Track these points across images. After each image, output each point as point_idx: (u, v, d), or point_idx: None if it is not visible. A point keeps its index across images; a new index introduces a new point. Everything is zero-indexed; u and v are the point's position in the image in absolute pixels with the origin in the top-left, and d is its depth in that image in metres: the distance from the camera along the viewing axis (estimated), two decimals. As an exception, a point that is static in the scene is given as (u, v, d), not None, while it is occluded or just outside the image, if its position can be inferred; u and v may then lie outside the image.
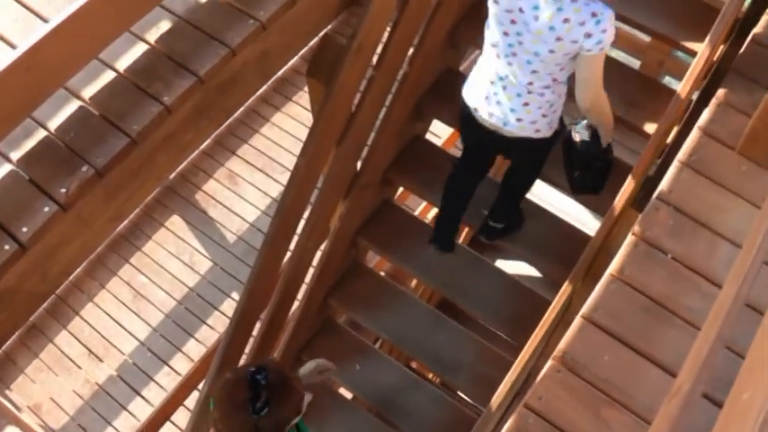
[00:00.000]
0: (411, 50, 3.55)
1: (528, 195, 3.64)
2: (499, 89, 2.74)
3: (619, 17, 3.39)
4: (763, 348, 1.40)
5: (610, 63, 3.52)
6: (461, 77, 3.98)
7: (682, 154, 2.58)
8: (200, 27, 2.78)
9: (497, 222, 3.58)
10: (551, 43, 2.47)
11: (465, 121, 2.98)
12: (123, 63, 2.68)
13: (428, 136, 4.27)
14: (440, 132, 5.61)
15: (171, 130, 2.62)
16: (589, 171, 2.92)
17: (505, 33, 2.57)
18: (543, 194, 5.04)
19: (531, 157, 3.09)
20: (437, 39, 3.65)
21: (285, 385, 2.17)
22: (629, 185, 2.75)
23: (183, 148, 2.75)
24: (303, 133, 3.26)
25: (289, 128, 6.56)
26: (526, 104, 2.72)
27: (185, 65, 2.65)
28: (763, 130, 2.51)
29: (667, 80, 7.12)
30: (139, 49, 2.72)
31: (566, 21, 2.40)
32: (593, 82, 2.58)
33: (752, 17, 3.11)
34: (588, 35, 2.40)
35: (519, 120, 2.77)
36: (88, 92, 2.60)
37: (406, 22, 3.30)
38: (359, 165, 3.68)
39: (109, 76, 2.65)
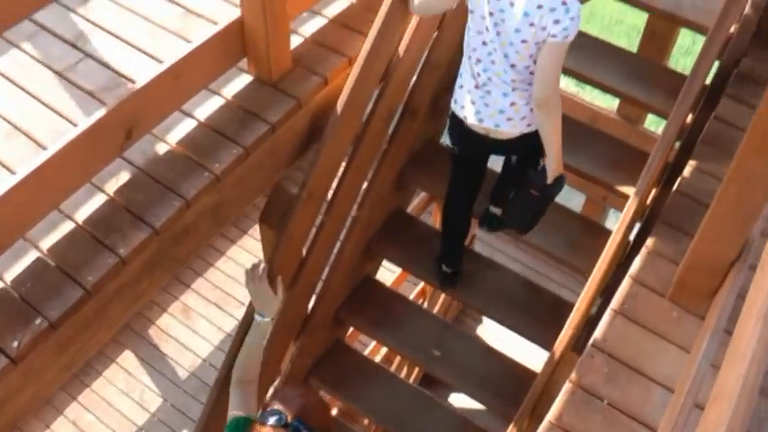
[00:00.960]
0: (361, 194, 3.70)
1: (480, 332, 3.72)
2: (484, 93, 2.84)
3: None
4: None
5: (552, 207, 3.75)
6: (410, 219, 4.18)
7: (614, 302, 2.71)
8: (157, 179, 2.88)
9: (498, 206, 3.57)
10: (524, 30, 2.62)
11: (455, 131, 3.07)
12: (82, 214, 2.76)
13: (379, 275, 4.39)
14: (390, 271, 5.75)
15: (125, 280, 2.68)
16: (522, 200, 3.03)
17: (487, 29, 2.71)
18: (495, 331, 5.15)
19: (525, 145, 3.07)
20: (386, 182, 3.82)
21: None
22: (567, 331, 2.86)
23: (136, 297, 2.81)
24: (258, 267, 3.33)
25: (244, 261, 6.64)
26: (513, 104, 2.82)
27: (142, 217, 2.74)
28: (689, 278, 2.67)
29: (612, 213, 7.40)
30: (99, 200, 2.81)
31: (539, 7, 2.58)
32: (552, 72, 2.67)
33: (681, 164, 3.32)
34: (557, 21, 2.57)
35: (510, 119, 2.86)
36: (46, 243, 2.67)
37: (355, 167, 3.46)
38: (310, 306, 3.76)
39: (68, 226, 2.72)
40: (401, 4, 3.09)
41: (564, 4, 2.56)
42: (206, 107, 3.10)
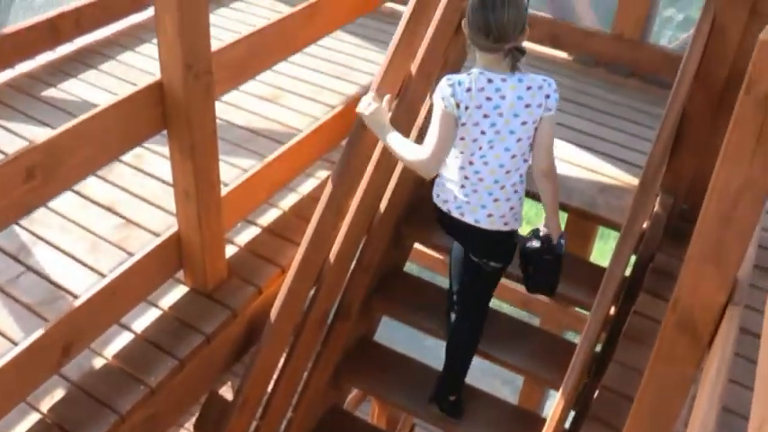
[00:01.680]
0: (296, 395, 3.74)
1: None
2: (470, 192, 3.00)
3: (482, 354, 3.72)
4: None
5: (485, 398, 3.83)
6: (347, 416, 4.20)
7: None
8: (92, 394, 2.88)
9: (450, 393, 3.67)
10: (522, 113, 2.83)
11: (440, 218, 3.21)
12: (12, 437, 2.74)
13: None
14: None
15: (54, 503, 2.64)
16: (541, 267, 3.18)
17: (483, 132, 2.87)
18: None
19: (503, 246, 3.20)
20: (321, 382, 3.87)
21: None
22: None
23: None
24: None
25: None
26: (496, 200, 3.00)
27: (75, 436, 2.73)
28: (618, 477, 2.73)
29: (552, 393, 7.47)
30: (31, 419, 2.78)
31: (528, 88, 2.80)
32: (551, 141, 2.92)
33: (608, 356, 3.44)
34: (547, 96, 2.82)
35: (489, 215, 3.02)
36: (-26, 470, 2.63)
37: (291, 371, 3.51)
38: None
39: (-3, 452, 2.69)
40: (331, 214, 3.27)
41: (545, 80, 2.85)
42: (142, 319, 3.15)
